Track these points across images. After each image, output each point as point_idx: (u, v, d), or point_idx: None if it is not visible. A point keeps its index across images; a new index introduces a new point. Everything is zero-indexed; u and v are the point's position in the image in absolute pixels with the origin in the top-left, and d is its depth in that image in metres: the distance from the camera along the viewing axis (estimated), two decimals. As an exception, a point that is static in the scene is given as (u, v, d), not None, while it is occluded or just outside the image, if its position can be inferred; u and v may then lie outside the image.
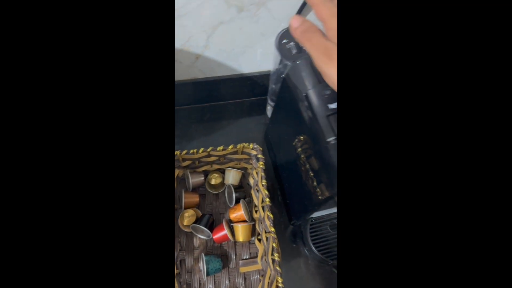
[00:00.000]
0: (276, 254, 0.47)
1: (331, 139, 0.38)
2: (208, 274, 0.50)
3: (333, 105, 0.39)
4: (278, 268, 0.46)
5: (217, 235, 0.53)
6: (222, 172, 0.62)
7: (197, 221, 0.55)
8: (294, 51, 0.49)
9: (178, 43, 0.54)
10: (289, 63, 0.48)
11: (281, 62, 0.54)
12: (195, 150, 0.55)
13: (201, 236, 0.55)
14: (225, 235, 0.52)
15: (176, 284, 0.51)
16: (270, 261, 0.48)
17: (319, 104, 0.40)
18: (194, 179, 0.59)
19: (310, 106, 0.41)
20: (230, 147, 0.56)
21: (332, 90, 0.40)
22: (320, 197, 0.44)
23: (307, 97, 0.42)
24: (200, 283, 0.52)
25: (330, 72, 0.26)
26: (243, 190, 0.60)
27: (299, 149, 0.49)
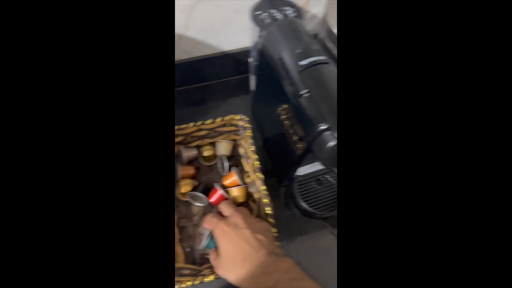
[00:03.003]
0: (267, 208, 0.51)
1: (304, 92, 0.42)
2: (205, 247, 0.54)
3: (303, 62, 0.43)
4: (271, 220, 0.50)
5: (213, 198, 0.57)
6: (214, 146, 0.66)
7: (194, 190, 0.59)
8: (267, 21, 0.53)
9: (160, 26, 0.58)
10: (264, 32, 0.52)
11: (259, 34, 0.58)
12: (186, 125, 0.59)
13: (199, 204, 0.59)
14: (221, 195, 0.57)
15: (179, 248, 0.55)
16: (264, 216, 0.52)
17: (292, 62, 0.44)
18: (188, 153, 0.62)
19: (284, 66, 0.45)
20: (218, 119, 0.60)
21: (302, 48, 0.44)
22: (299, 151, 0.48)
23: (281, 59, 0.46)
24: (202, 245, 0.56)
25: None
26: (234, 159, 0.64)
27: (283, 116, 0.53)
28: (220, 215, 0.50)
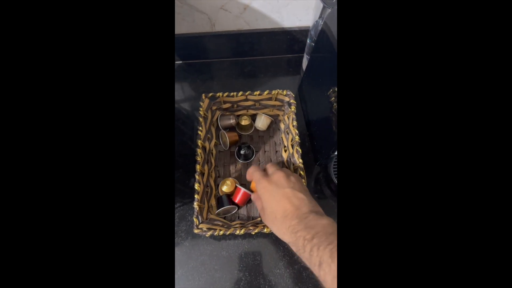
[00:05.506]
0: (303, 180, 0.54)
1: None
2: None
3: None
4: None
5: (238, 198, 0.58)
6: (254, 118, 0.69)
7: (237, 149, 0.63)
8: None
9: (230, -8, 0.61)
10: (329, 9, 0.53)
11: (321, 15, 0.59)
12: (235, 93, 0.63)
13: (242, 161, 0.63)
14: (244, 193, 0.57)
15: (214, 202, 0.60)
16: (296, 187, 0.55)
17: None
18: (223, 122, 0.67)
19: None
20: (266, 92, 0.63)
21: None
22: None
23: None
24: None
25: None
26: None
27: (332, 98, 0.54)
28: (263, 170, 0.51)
